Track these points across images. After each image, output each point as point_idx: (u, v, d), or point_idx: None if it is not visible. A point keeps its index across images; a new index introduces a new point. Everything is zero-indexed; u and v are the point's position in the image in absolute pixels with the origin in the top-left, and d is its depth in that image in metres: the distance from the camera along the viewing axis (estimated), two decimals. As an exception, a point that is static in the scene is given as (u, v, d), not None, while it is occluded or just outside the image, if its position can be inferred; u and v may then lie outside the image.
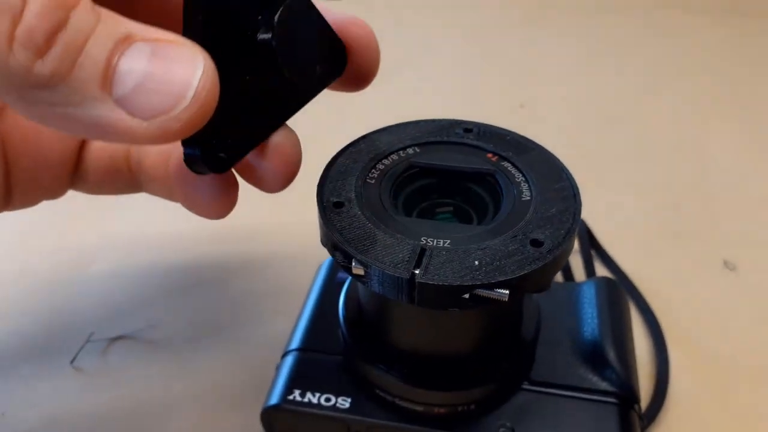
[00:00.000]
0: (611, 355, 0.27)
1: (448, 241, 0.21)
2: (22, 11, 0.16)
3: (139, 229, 0.30)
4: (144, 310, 0.34)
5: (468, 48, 0.61)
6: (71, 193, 0.29)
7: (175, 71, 0.17)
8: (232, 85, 0.20)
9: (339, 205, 0.23)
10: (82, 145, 0.28)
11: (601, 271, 0.37)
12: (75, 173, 0.26)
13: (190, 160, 0.20)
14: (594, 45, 0.62)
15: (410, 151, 0.25)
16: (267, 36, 0.21)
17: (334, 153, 0.25)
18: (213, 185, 0.23)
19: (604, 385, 0.26)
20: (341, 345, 0.27)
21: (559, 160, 0.25)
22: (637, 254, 0.38)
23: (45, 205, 0.29)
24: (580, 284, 0.30)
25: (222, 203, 0.23)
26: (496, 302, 0.20)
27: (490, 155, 0.25)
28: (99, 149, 0.28)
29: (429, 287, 0.20)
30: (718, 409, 0.30)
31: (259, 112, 0.22)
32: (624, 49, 0.61)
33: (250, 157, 0.22)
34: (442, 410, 0.24)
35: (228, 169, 0.21)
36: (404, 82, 0.55)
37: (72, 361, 0.32)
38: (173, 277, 0.32)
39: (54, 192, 0.27)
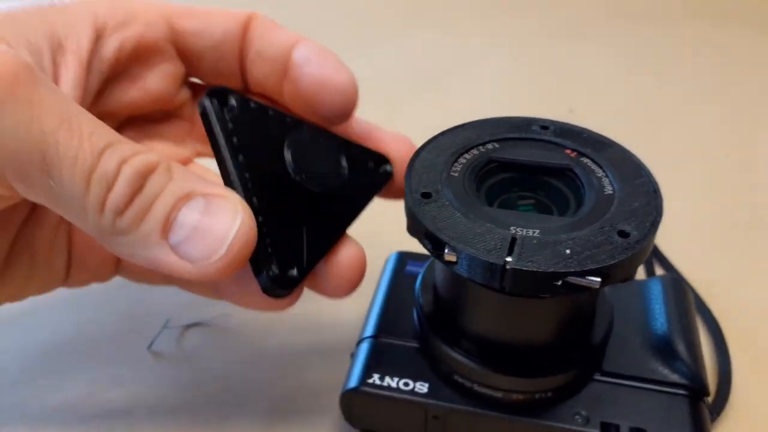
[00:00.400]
0: (681, 348, 0.27)
1: (537, 231, 0.22)
2: (115, 182, 0.19)
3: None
4: (217, 299, 0.35)
5: (516, 55, 0.62)
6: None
7: (218, 225, 0.20)
8: (280, 213, 0.23)
9: (427, 195, 0.24)
10: None
11: (658, 273, 0.37)
12: (118, 263, 0.29)
13: (266, 289, 0.23)
14: (642, 53, 0.62)
15: (490, 146, 0.26)
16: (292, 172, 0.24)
17: None
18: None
19: (674, 378, 0.26)
20: (416, 332, 0.28)
21: (636, 157, 0.25)
22: (691, 257, 0.38)
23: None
24: (646, 281, 0.31)
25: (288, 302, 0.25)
26: (586, 290, 0.21)
27: (568, 151, 0.26)
28: None
29: (524, 273, 0.20)
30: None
31: (316, 228, 0.24)
32: (672, 57, 0.61)
33: (317, 268, 0.24)
34: (520, 397, 0.25)
35: (301, 282, 0.24)
36: (455, 89, 0.56)
37: (149, 347, 0.33)
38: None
39: (101, 276, 0.29)
